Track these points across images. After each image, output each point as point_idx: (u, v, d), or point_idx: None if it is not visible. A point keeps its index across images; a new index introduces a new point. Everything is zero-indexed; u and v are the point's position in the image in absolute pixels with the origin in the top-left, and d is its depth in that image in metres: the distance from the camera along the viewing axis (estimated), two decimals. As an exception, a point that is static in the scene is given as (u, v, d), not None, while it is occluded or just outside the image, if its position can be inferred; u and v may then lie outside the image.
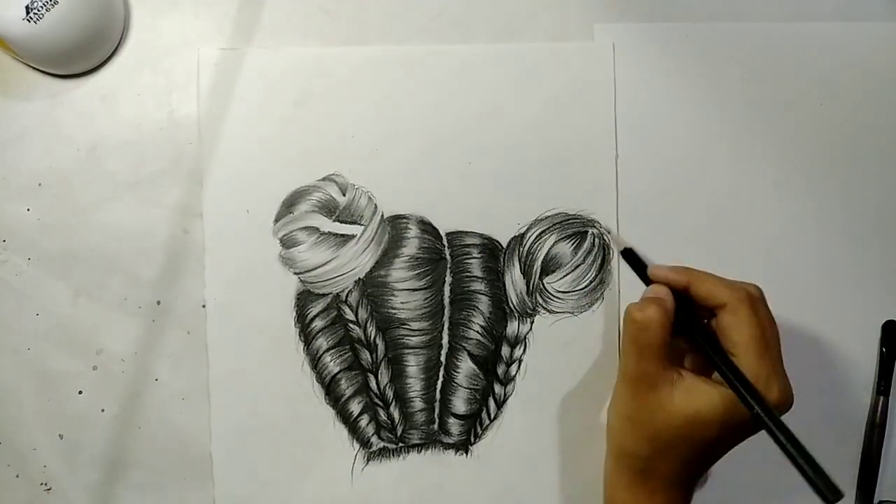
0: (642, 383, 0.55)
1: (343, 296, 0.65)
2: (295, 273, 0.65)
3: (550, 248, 0.66)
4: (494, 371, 0.66)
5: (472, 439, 0.66)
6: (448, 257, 0.66)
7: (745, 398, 0.51)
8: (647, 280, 0.60)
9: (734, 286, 0.56)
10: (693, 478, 0.57)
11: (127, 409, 0.65)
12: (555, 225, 0.66)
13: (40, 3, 0.57)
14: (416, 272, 0.66)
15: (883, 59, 0.68)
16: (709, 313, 0.57)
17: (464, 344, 0.66)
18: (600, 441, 0.65)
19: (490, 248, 0.66)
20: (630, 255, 0.62)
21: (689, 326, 0.56)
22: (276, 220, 0.65)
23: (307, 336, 0.65)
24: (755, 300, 0.55)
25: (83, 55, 0.63)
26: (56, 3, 0.57)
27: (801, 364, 0.67)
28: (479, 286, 0.66)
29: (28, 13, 0.57)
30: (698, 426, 0.53)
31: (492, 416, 0.66)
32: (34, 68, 0.64)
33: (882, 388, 0.67)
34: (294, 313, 0.65)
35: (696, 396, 0.53)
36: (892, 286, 0.68)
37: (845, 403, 0.68)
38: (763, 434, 0.50)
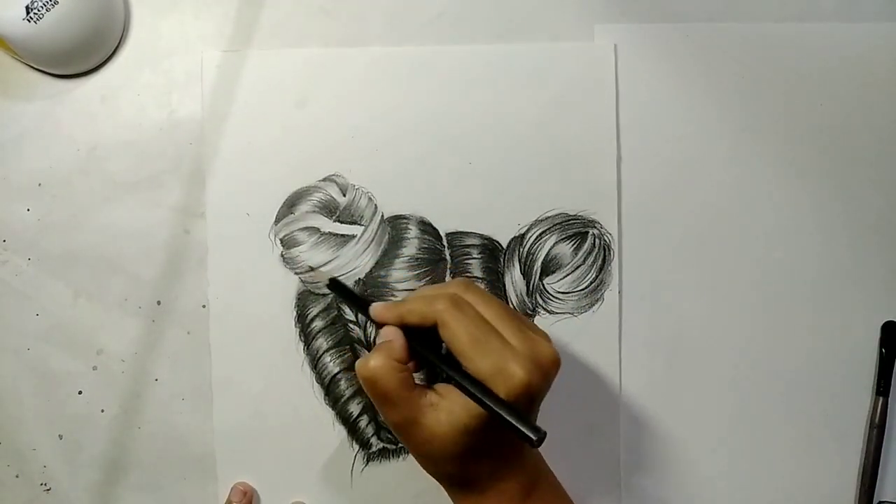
0: (406, 426, 0.54)
1: (343, 296, 0.66)
2: (296, 273, 0.65)
3: (551, 249, 0.66)
4: (494, 371, 0.66)
5: (472, 439, 0.66)
6: (448, 258, 0.66)
7: (470, 395, 0.51)
8: (361, 311, 0.61)
9: (434, 299, 0.55)
10: (512, 462, 0.56)
11: (127, 409, 0.65)
12: (555, 225, 0.66)
13: (40, 3, 0.57)
14: (417, 272, 0.66)
15: (882, 59, 0.68)
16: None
17: (464, 344, 0.66)
18: (600, 441, 0.66)
19: (490, 249, 0.66)
20: (337, 286, 0.63)
21: (423, 352, 0.56)
22: (277, 221, 0.65)
23: (307, 336, 0.65)
24: (456, 303, 0.54)
25: (83, 55, 0.63)
26: (56, 2, 0.57)
27: (802, 364, 0.68)
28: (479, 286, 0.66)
29: (28, 13, 0.57)
30: (475, 434, 0.52)
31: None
32: (34, 68, 0.64)
33: (882, 388, 0.67)
34: (294, 313, 0.65)
35: (457, 411, 0.52)
36: (893, 286, 0.68)
37: (845, 403, 0.68)
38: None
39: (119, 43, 0.65)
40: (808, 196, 0.68)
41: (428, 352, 0.55)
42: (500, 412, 0.49)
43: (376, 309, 0.58)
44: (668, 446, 0.67)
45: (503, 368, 0.51)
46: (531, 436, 0.48)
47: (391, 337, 0.56)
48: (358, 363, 0.55)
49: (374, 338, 0.61)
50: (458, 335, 0.53)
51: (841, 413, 0.68)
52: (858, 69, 0.68)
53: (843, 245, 0.68)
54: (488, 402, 0.50)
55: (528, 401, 0.52)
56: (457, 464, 0.54)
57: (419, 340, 0.56)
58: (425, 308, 0.55)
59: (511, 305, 0.66)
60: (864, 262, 0.68)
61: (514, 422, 0.48)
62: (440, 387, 0.54)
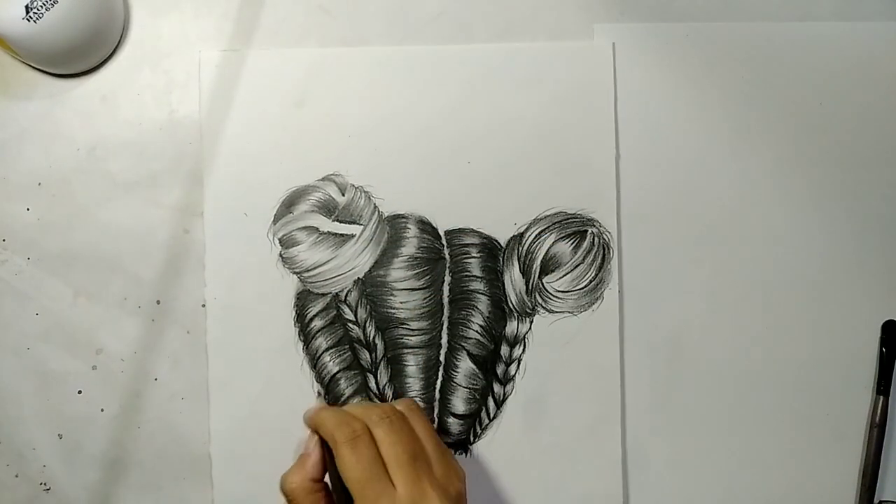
0: None
1: (342, 295, 0.65)
2: (294, 273, 0.65)
3: (550, 248, 0.66)
4: (494, 371, 0.66)
5: (472, 439, 0.66)
6: (447, 257, 0.66)
7: None
8: None
9: (340, 424, 0.55)
10: None
11: (126, 408, 0.65)
12: (554, 224, 0.66)
13: (40, 3, 0.57)
14: (416, 272, 0.66)
15: (883, 58, 0.68)
16: None
17: (463, 343, 0.66)
18: (600, 440, 0.65)
19: (489, 248, 0.66)
20: None
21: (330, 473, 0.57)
22: (276, 220, 0.65)
23: (307, 336, 0.65)
24: (358, 437, 0.55)
25: (83, 55, 0.63)
26: (56, 2, 0.57)
27: (802, 363, 0.67)
28: (478, 286, 0.66)
29: (28, 12, 0.57)
30: None
31: (491, 416, 0.66)
32: (34, 68, 0.64)
33: (882, 387, 0.67)
34: (293, 313, 0.65)
35: None
36: (893, 285, 0.68)
37: (845, 403, 0.68)
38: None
39: (119, 43, 0.65)
40: (807, 195, 0.68)
41: (333, 474, 0.56)
42: None
43: (305, 417, 0.60)
44: (668, 446, 0.67)
45: None
46: None
47: (309, 450, 0.57)
48: (282, 477, 0.57)
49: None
50: (346, 471, 0.53)
51: (841, 413, 0.68)
52: (858, 68, 0.68)
53: (842, 244, 0.68)
54: None
55: None
56: None
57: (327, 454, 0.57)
58: (330, 430, 0.55)
59: (510, 304, 0.66)
60: (864, 262, 0.68)
61: None
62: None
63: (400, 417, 0.57)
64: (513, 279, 0.66)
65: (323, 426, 0.56)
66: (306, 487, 0.55)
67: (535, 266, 0.66)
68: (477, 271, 0.66)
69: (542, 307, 0.66)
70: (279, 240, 0.65)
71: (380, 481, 0.53)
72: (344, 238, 0.65)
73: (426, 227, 0.66)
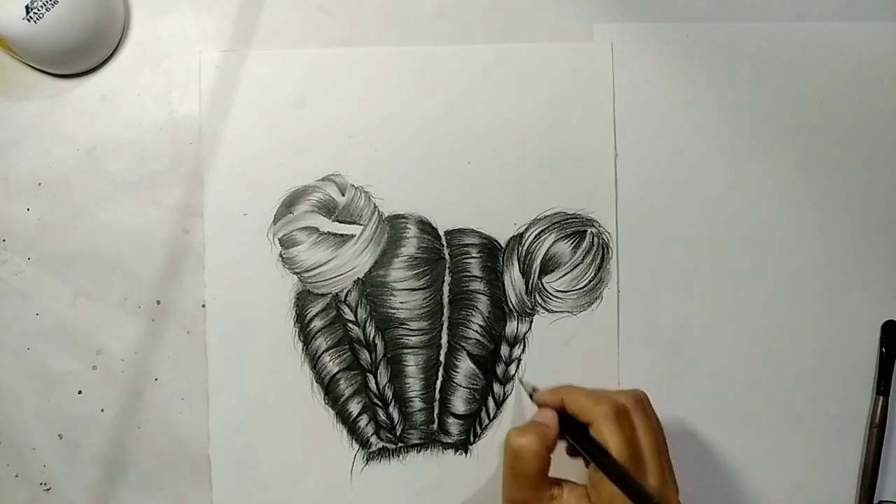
0: None
1: (342, 295, 0.66)
2: (294, 273, 0.65)
3: (549, 248, 0.66)
4: (494, 370, 0.66)
5: (472, 439, 0.66)
6: (447, 257, 0.66)
7: (629, 493, 0.51)
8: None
9: (601, 400, 0.55)
10: None
11: (126, 408, 0.65)
12: (554, 224, 0.66)
13: (40, 3, 0.57)
14: (416, 272, 0.66)
15: (883, 59, 0.68)
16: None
17: (463, 343, 0.66)
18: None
19: (489, 248, 0.66)
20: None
21: (576, 439, 0.56)
22: (276, 221, 0.65)
23: (306, 336, 0.65)
24: (621, 414, 0.54)
25: (83, 55, 0.63)
26: (56, 2, 0.57)
27: (802, 363, 0.67)
28: (478, 286, 0.66)
29: (28, 13, 0.57)
30: None
31: (491, 416, 0.66)
32: (34, 68, 0.64)
33: (882, 388, 0.67)
34: (293, 313, 0.65)
35: None
36: (893, 286, 0.68)
37: (845, 403, 0.68)
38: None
39: (119, 43, 0.65)
40: (807, 195, 0.68)
41: (592, 446, 0.55)
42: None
43: (541, 393, 0.58)
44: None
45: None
46: None
47: (547, 421, 0.56)
48: (511, 432, 0.55)
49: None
50: (614, 444, 0.53)
51: (841, 413, 0.68)
52: (858, 68, 0.68)
53: (843, 244, 0.68)
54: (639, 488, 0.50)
55: None
56: None
57: (573, 426, 0.56)
58: (588, 405, 0.55)
59: (510, 304, 0.66)
60: (864, 262, 0.68)
61: None
62: (566, 484, 0.55)
63: (649, 409, 0.57)
64: (512, 279, 0.66)
65: (576, 402, 0.56)
66: (540, 453, 0.54)
67: (534, 266, 0.66)
68: (477, 271, 0.66)
69: (542, 307, 0.66)
70: (279, 240, 0.65)
71: (639, 465, 0.53)
72: (344, 238, 0.65)
73: (426, 227, 0.66)
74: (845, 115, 0.68)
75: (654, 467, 0.53)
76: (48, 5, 0.57)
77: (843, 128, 0.68)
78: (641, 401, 0.57)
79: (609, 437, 0.53)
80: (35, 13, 0.57)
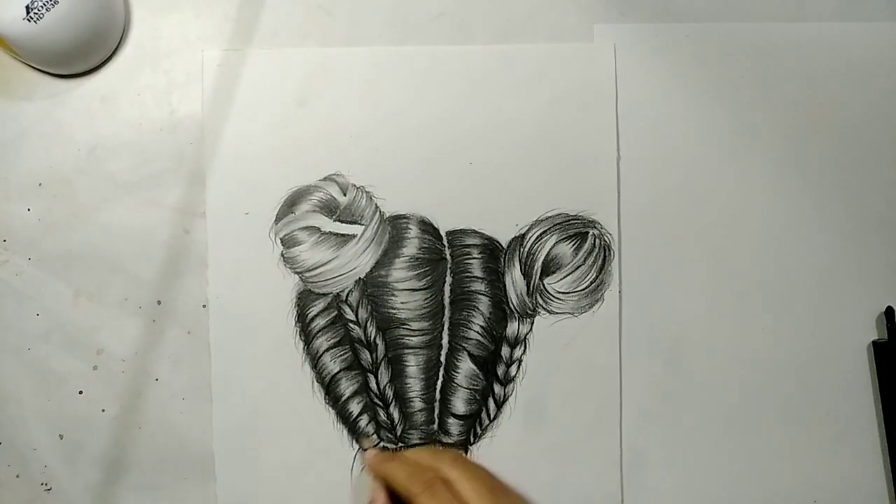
0: None
1: (343, 295, 0.66)
2: (296, 272, 0.65)
3: (551, 249, 0.66)
4: (494, 371, 0.66)
5: (472, 439, 0.66)
6: (448, 257, 0.66)
7: None
8: None
9: (414, 475, 0.54)
10: None
11: (127, 409, 0.65)
12: (555, 226, 0.66)
13: (40, 3, 0.57)
14: (417, 272, 0.66)
15: (883, 59, 0.68)
16: None
17: (464, 344, 0.66)
18: (599, 441, 0.66)
19: (490, 249, 0.66)
20: None
21: None
22: (277, 220, 0.65)
23: (307, 336, 0.65)
24: (431, 486, 0.54)
25: (83, 55, 0.63)
26: (56, 3, 0.57)
27: (802, 363, 0.68)
28: (479, 286, 0.66)
29: (28, 13, 0.57)
30: None
31: (491, 417, 0.66)
32: (34, 68, 0.64)
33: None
34: (294, 313, 0.65)
35: None
36: (894, 286, 0.68)
37: (846, 404, 0.68)
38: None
39: (119, 43, 0.65)
40: (807, 195, 0.68)
41: None
42: None
43: (368, 457, 0.60)
44: (668, 446, 0.67)
45: None
46: None
47: (376, 499, 0.56)
48: None
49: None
50: None
51: (842, 413, 0.68)
52: (858, 68, 0.68)
53: (842, 244, 0.68)
54: None
55: None
56: None
57: None
58: (405, 481, 0.54)
59: (511, 305, 0.66)
60: (863, 262, 0.68)
61: None
62: None
63: (469, 461, 0.56)
64: (514, 280, 0.66)
65: (394, 479, 0.55)
66: None
67: (536, 267, 0.66)
68: (478, 272, 0.66)
69: (543, 308, 0.66)
70: (280, 240, 0.65)
71: None
72: (345, 238, 0.65)
73: (427, 227, 0.66)
74: (845, 114, 0.68)
75: None
76: (48, 5, 0.57)
77: (843, 128, 0.68)
78: (459, 457, 0.55)
79: None
80: (35, 13, 0.57)
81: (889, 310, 0.67)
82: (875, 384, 0.68)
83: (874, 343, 0.67)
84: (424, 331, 0.66)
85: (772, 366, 0.67)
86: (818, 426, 0.68)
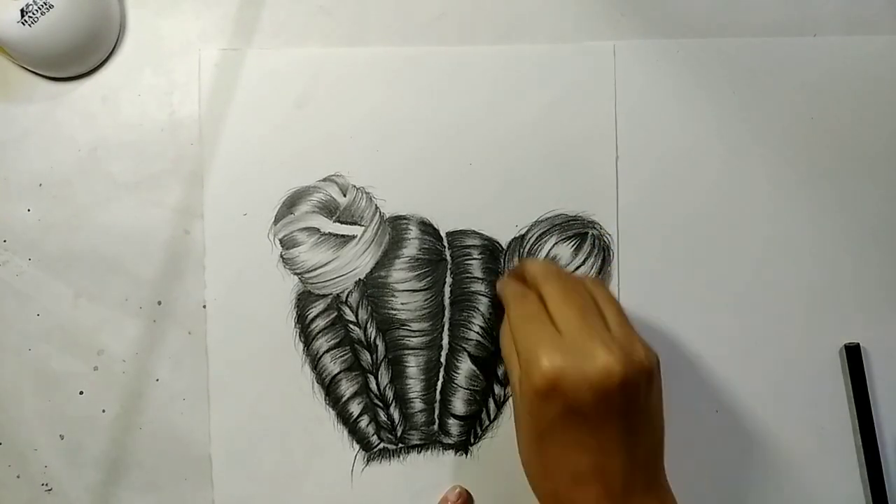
0: None
1: (343, 296, 0.65)
2: (295, 274, 0.65)
3: (550, 250, 0.66)
4: (494, 372, 0.66)
5: (472, 440, 0.66)
6: (448, 258, 0.66)
7: None
8: None
9: (512, 285, 0.58)
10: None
11: (128, 409, 0.65)
12: (555, 226, 0.66)
13: (35, 7, 0.57)
14: (417, 273, 0.66)
15: (873, 73, 0.67)
16: None
17: (464, 345, 0.66)
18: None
19: (490, 249, 0.66)
20: None
21: None
22: (277, 221, 0.65)
23: (307, 337, 0.65)
24: (525, 296, 0.55)
25: (79, 58, 0.63)
26: (51, 6, 0.58)
27: (803, 364, 0.67)
28: (479, 287, 0.66)
29: (23, 17, 0.57)
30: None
31: (492, 417, 0.66)
32: (30, 71, 0.64)
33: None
34: (294, 314, 0.65)
35: None
36: (894, 287, 0.68)
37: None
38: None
39: (117, 44, 0.65)
40: (806, 197, 0.67)
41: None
42: None
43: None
44: (668, 447, 0.67)
45: (533, 352, 0.51)
46: None
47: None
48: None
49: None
50: (511, 320, 0.54)
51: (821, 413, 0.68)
52: (851, 82, 0.67)
53: (840, 247, 0.67)
54: None
55: (556, 397, 0.50)
56: None
57: None
58: (505, 289, 0.58)
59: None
60: (863, 263, 0.67)
61: None
62: None
63: (575, 280, 0.55)
64: (514, 281, 0.66)
65: (502, 290, 0.58)
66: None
67: (535, 268, 0.66)
68: (478, 273, 0.66)
69: (544, 309, 0.66)
70: (280, 240, 0.65)
71: (542, 323, 0.51)
72: (345, 239, 0.65)
73: (427, 228, 0.66)
74: (847, 116, 0.67)
75: (566, 320, 0.51)
76: (43, 9, 0.57)
77: (843, 129, 0.67)
78: (562, 274, 0.56)
79: (509, 315, 0.55)
80: (30, 17, 0.57)
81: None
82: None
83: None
84: (424, 331, 0.66)
85: (773, 367, 0.67)
86: (820, 430, 0.67)
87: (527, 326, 0.52)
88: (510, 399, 0.66)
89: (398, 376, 0.66)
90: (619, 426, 0.51)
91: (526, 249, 0.66)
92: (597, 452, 0.50)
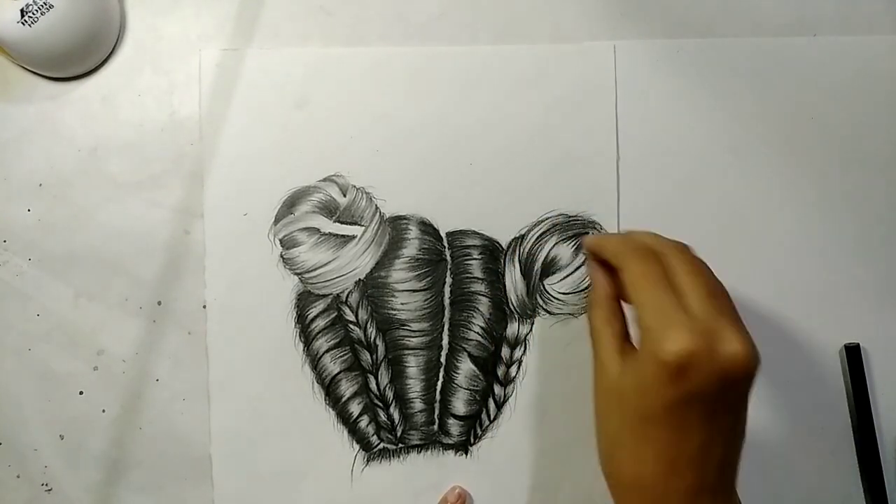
0: None
1: (343, 296, 0.65)
2: (295, 274, 0.65)
3: (551, 250, 0.66)
4: (494, 372, 0.66)
5: (472, 440, 0.66)
6: (448, 258, 0.66)
7: None
8: None
9: (630, 241, 0.52)
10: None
11: (128, 409, 0.65)
12: (555, 227, 0.66)
13: (35, 7, 0.57)
14: (417, 273, 0.66)
15: (874, 73, 0.67)
16: None
17: (464, 345, 0.66)
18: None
19: (490, 250, 0.66)
20: None
21: None
22: (277, 221, 0.65)
23: (307, 337, 0.65)
24: (648, 255, 0.51)
25: (78, 59, 0.63)
26: (51, 7, 0.58)
27: (804, 365, 0.67)
28: (479, 287, 0.66)
29: (23, 17, 0.57)
30: None
31: (491, 417, 0.66)
32: (30, 71, 0.64)
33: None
34: (294, 314, 0.65)
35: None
36: (893, 287, 0.67)
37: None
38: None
39: (117, 44, 0.65)
40: (806, 197, 0.67)
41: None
42: None
43: (586, 239, 0.57)
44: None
45: (665, 329, 0.46)
46: None
47: (592, 277, 0.55)
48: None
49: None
50: (633, 282, 0.49)
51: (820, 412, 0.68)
52: (852, 83, 0.67)
53: (840, 248, 0.67)
54: None
55: (678, 378, 0.46)
56: None
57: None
58: (616, 246, 0.52)
59: (511, 306, 0.66)
60: (863, 263, 0.67)
61: None
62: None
63: (698, 259, 0.51)
64: (514, 281, 0.66)
65: (605, 246, 0.53)
66: (604, 318, 0.52)
67: (536, 268, 0.66)
68: (478, 273, 0.66)
69: (543, 309, 0.66)
70: (280, 240, 0.65)
71: (668, 292, 0.48)
72: (345, 239, 0.65)
73: (427, 228, 0.66)
74: (847, 115, 0.67)
75: (699, 302, 0.47)
76: (43, 10, 0.57)
77: (844, 128, 0.67)
78: (686, 251, 0.52)
79: (633, 274, 0.50)
80: (30, 17, 0.57)
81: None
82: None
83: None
84: (424, 331, 0.66)
85: (773, 367, 0.67)
86: (821, 430, 0.67)
87: (654, 291, 0.48)
88: (510, 399, 0.66)
89: (398, 376, 0.66)
90: (730, 417, 0.49)
91: (526, 249, 0.66)
92: (704, 441, 0.48)
